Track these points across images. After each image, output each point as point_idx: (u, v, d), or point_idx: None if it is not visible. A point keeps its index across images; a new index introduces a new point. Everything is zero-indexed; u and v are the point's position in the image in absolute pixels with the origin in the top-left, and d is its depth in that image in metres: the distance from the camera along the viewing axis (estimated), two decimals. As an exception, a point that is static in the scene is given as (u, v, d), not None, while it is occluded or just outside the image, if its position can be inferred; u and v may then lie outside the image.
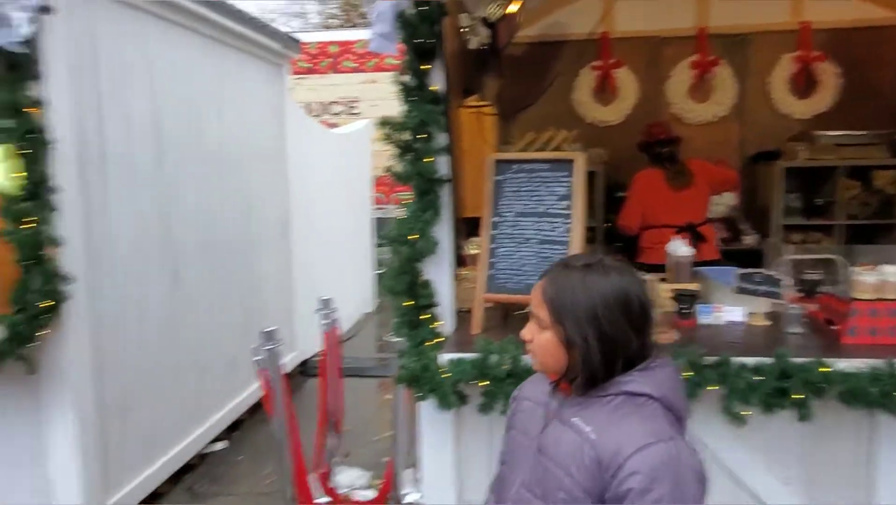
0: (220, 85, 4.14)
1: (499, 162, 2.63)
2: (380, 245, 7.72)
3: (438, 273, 2.39)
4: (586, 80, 5.00)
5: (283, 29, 5.50)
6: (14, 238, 2.57)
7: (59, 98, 2.65)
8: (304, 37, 6.52)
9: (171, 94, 3.57)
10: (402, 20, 2.21)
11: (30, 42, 2.47)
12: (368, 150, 7.53)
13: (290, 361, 4.92)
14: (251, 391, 4.33)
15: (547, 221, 2.49)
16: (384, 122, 2.28)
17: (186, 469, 3.74)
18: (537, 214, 2.51)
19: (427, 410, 2.34)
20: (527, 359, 1.46)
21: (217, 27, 3.97)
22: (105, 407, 3.01)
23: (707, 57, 4.87)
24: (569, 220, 2.45)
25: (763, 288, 2.50)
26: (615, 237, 4.51)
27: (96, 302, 2.93)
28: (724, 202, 4.87)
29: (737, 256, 3.99)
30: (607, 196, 4.79)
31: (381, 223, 8.63)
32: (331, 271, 5.90)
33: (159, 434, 3.47)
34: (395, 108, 2.31)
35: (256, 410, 4.42)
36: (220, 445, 4.09)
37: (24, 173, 2.57)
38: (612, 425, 1.16)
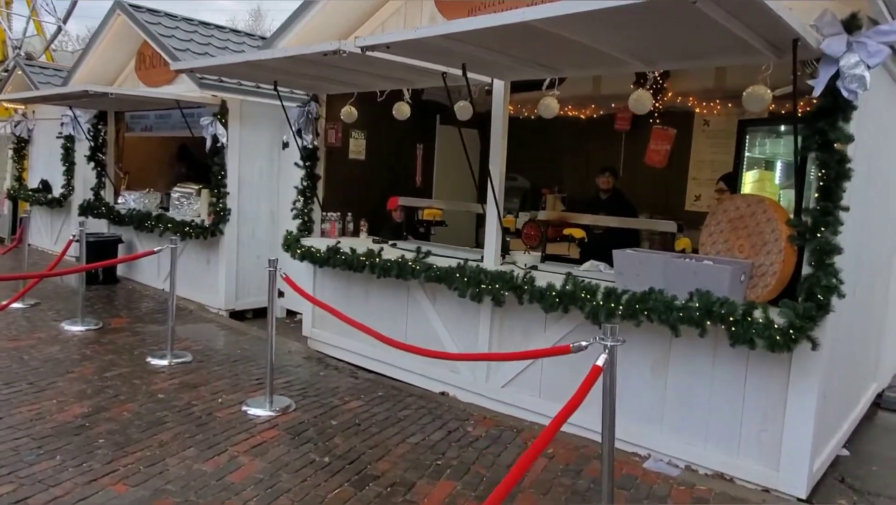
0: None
1: None
2: None
3: None
4: None
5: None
6: (802, 242, 3.31)
7: (860, 136, 3.33)
8: None
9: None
10: None
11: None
12: None
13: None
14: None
15: None
16: None
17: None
18: None
19: None
20: None
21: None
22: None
23: None
24: None
25: None
26: None
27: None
28: None
29: None
30: None
31: None
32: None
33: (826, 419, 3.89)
34: None
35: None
36: (844, 452, 4.39)
37: (821, 193, 3.28)
38: None
